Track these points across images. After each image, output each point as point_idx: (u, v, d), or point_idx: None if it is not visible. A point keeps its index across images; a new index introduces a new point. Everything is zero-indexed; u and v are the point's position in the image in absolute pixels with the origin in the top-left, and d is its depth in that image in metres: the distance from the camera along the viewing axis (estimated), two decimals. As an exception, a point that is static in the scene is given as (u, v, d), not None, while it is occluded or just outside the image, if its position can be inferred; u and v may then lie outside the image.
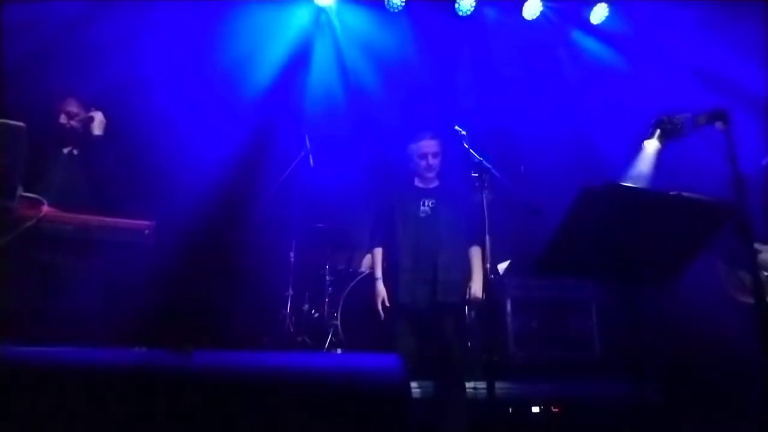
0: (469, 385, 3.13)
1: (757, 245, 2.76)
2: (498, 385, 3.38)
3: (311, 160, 4.28)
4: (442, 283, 3.02)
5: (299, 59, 4.43)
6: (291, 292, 4.14)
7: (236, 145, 4.44)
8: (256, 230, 4.39)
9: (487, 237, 2.75)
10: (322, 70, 4.57)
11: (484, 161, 2.78)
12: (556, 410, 3.34)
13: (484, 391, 2.61)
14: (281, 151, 4.52)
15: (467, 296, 3.04)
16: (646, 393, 2.91)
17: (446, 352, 3.04)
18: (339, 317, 3.97)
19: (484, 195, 2.77)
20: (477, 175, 2.83)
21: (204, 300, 4.12)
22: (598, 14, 4.27)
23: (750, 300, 2.81)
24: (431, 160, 3.17)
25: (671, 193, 1.93)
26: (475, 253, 3.11)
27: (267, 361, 1.42)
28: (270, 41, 4.37)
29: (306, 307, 4.25)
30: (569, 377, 3.74)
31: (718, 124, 1.96)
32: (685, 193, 1.91)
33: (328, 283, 4.20)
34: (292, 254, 4.22)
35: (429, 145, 3.19)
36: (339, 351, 3.94)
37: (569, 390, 3.55)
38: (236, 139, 4.46)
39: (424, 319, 3.02)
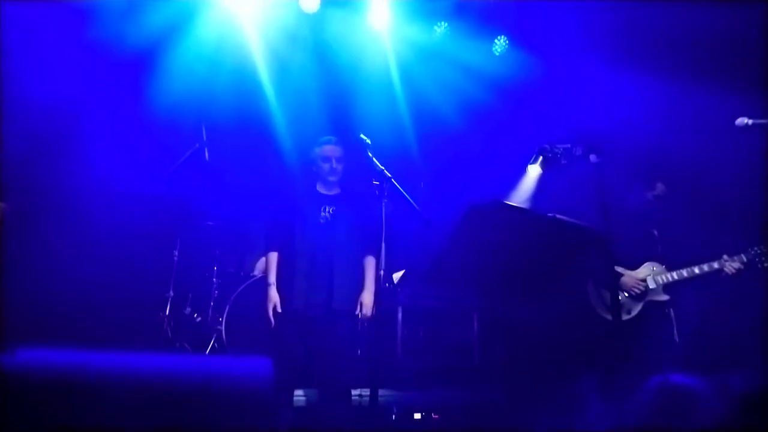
0: (355, 392, 3.13)
1: (619, 269, 3.14)
2: (384, 392, 3.44)
3: (206, 154, 4.02)
4: (338, 289, 3.01)
5: (204, 45, 4.15)
6: (171, 293, 3.83)
7: (121, 130, 4.03)
8: (136, 223, 4.01)
9: (383, 246, 2.79)
10: (227, 62, 4.33)
11: (385, 170, 2.82)
12: (436, 417, 3.46)
13: (368, 398, 2.62)
14: (173, 140, 4.19)
15: (358, 306, 3.04)
16: (518, 398, 3.15)
17: (334, 360, 3.01)
18: (224, 322, 3.75)
19: (383, 204, 2.82)
20: (378, 183, 2.87)
21: (74, 295, 3.67)
22: (499, 47, 4.59)
23: (608, 316, 3.20)
24: (335, 165, 3.16)
25: (548, 215, 2.12)
26: (370, 262, 3.14)
27: (111, 360, 1.30)
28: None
29: (188, 310, 3.96)
30: (450, 384, 3.92)
31: (592, 157, 2.19)
32: (560, 216, 2.11)
33: (214, 285, 3.94)
34: (176, 252, 3.91)
35: (333, 150, 3.18)
36: (221, 357, 3.72)
37: (449, 397, 3.71)
38: (121, 123, 4.05)
39: (317, 325, 2.98)
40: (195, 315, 3.96)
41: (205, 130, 4.07)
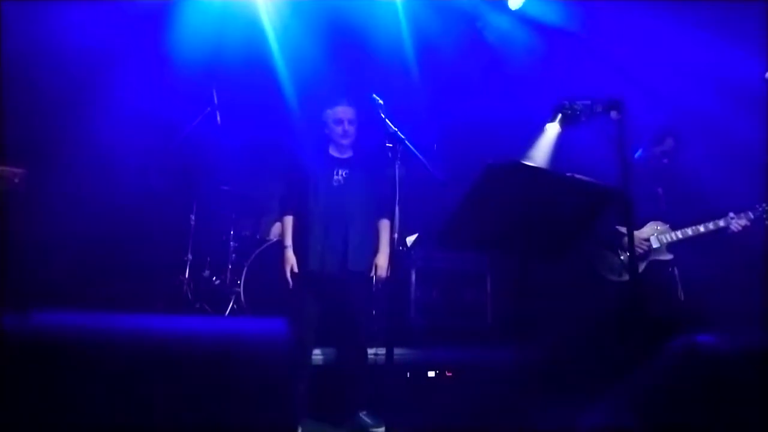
0: (370, 351, 3.20)
1: (621, 229, 3.10)
2: (398, 351, 3.52)
3: (218, 117, 3.98)
4: (352, 252, 3.02)
5: (212, 8, 4.05)
6: (190, 257, 3.90)
7: (134, 95, 3.99)
8: (153, 188, 4.04)
9: (397, 209, 2.78)
10: (237, 25, 4.22)
11: (398, 132, 2.77)
12: (450, 374, 3.55)
13: (384, 357, 2.68)
14: (186, 104, 4.15)
15: (373, 269, 3.07)
16: (528, 358, 3.19)
17: (351, 320, 3.07)
18: (242, 285, 3.83)
19: (396, 167, 2.78)
20: (391, 145, 2.82)
21: (93, 258, 3.75)
22: (515, 1, 4.40)
23: (616, 277, 3.19)
24: (347, 127, 3.11)
25: (566, 174, 2.08)
26: (384, 225, 3.14)
27: (131, 322, 1.32)
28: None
29: (206, 273, 4.04)
30: (463, 344, 4.00)
31: (613, 114, 2.12)
32: (578, 176, 2.06)
33: (231, 249, 4.00)
34: (192, 217, 3.95)
35: (345, 112, 3.12)
36: (240, 318, 3.81)
37: (462, 356, 3.79)
38: (134, 88, 4.01)
39: (332, 286, 3.02)
40: (213, 278, 4.05)
41: (216, 94, 4.02)
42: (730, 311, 3.49)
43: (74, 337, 1.24)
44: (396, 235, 2.90)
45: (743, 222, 3.09)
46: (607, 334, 2.98)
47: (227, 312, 3.79)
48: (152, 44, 4.04)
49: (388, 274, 3.06)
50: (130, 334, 1.28)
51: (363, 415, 2.98)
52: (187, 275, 3.87)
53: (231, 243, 4.01)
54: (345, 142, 3.14)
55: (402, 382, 3.45)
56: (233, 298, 3.84)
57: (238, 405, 1.26)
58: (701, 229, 3.15)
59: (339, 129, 3.11)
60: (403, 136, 2.83)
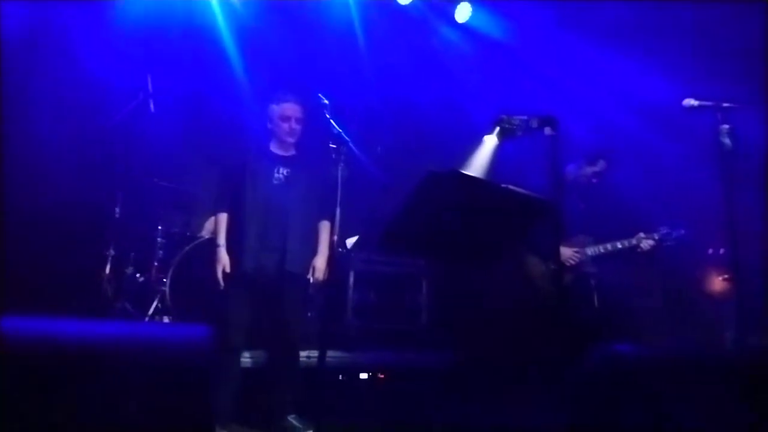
0: (303, 354, 3.15)
1: (550, 238, 3.29)
2: (333, 354, 3.49)
3: (152, 105, 3.76)
4: (291, 253, 2.95)
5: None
6: (112, 252, 3.64)
7: (57, 80, 3.68)
8: (75, 178, 3.74)
9: (338, 211, 2.76)
10: (177, 9, 4.01)
11: (343, 133, 2.75)
12: (382, 376, 3.57)
13: (317, 359, 2.64)
14: (116, 90, 3.88)
15: (311, 270, 3.02)
16: (458, 362, 3.29)
17: (284, 322, 3.00)
18: (168, 283, 3.62)
19: (339, 168, 2.76)
20: (335, 146, 2.80)
21: (7, 252, 3.41)
22: (462, 13, 4.53)
23: (546, 285, 3.38)
24: (294, 125, 3.03)
25: (502, 185, 2.15)
26: (324, 227, 3.10)
27: (45, 327, 1.22)
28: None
29: (130, 270, 3.79)
30: (398, 347, 4.04)
31: (547, 130, 2.23)
32: (513, 187, 2.15)
33: (158, 245, 3.78)
34: (117, 210, 3.70)
35: (293, 109, 3.04)
36: (165, 319, 3.62)
37: (396, 358, 3.83)
38: (58, 73, 3.70)
39: (267, 288, 2.93)
40: (137, 275, 3.81)
41: (151, 81, 3.79)
42: (643, 321, 3.79)
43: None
44: (336, 237, 2.88)
45: (650, 242, 3.41)
46: (534, 338, 3.13)
47: (151, 312, 3.58)
48: (80, 25, 3.75)
49: (326, 277, 3.02)
50: (44, 340, 1.19)
51: (291, 419, 2.92)
52: (108, 272, 3.61)
53: (158, 239, 3.79)
54: (290, 140, 3.07)
55: (334, 385, 3.43)
56: (158, 297, 3.63)
57: (151, 411, 1.19)
58: (618, 245, 3.45)
59: (285, 126, 3.03)
60: (347, 138, 2.82)
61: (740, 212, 2.37)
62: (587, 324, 3.26)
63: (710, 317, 4.15)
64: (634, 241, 3.45)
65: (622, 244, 3.46)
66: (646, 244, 3.43)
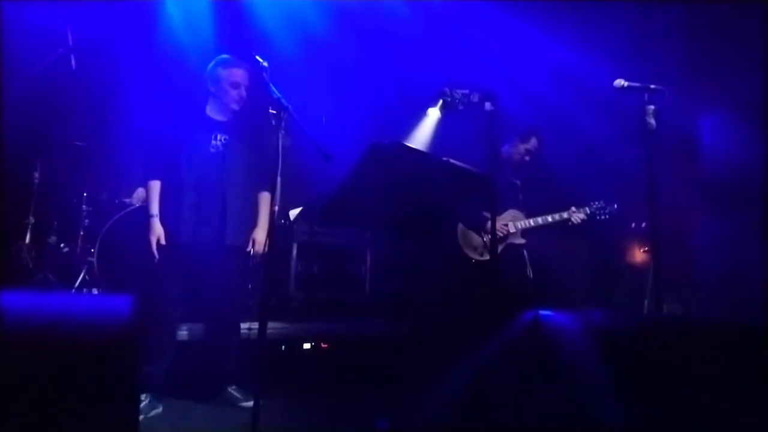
0: (244, 325, 3.11)
1: (486, 214, 3.42)
2: (275, 325, 3.47)
3: (73, 61, 3.44)
4: (231, 224, 2.85)
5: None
6: (32, 219, 3.38)
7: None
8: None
9: (279, 180, 2.69)
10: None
11: (283, 99, 2.66)
12: (325, 346, 3.60)
13: (257, 331, 2.62)
14: (29, 42, 3.51)
15: (250, 243, 2.94)
16: (399, 331, 3.37)
17: (223, 294, 2.93)
18: (96, 254, 3.42)
19: (280, 136, 2.67)
20: (275, 112, 2.70)
21: None
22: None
23: (477, 256, 3.52)
24: (243, 92, 2.88)
25: (443, 159, 2.18)
26: (264, 198, 2.99)
27: None
28: None
29: (53, 239, 3.54)
30: (341, 317, 4.08)
31: (487, 105, 2.27)
32: (452, 161, 2.18)
33: (84, 213, 3.54)
34: (36, 174, 3.41)
35: (242, 76, 2.88)
36: (94, 291, 3.43)
37: (339, 329, 3.88)
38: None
39: (205, 260, 2.83)
40: (61, 245, 3.57)
41: (71, 34, 3.46)
42: (572, 290, 4.04)
43: None
44: (277, 208, 2.81)
45: (581, 216, 3.60)
46: (467, 307, 3.27)
47: (77, 284, 3.38)
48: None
49: (266, 250, 2.96)
50: None
51: (232, 390, 2.90)
52: (27, 241, 3.36)
53: (83, 206, 3.54)
54: (236, 107, 2.92)
55: (276, 356, 3.42)
56: (84, 268, 3.43)
57: (71, 391, 1.13)
58: (549, 219, 3.62)
59: (234, 93, 2.87)
60: (287, 105, 2.72)
61: (660, 189, 2.54)
62: (518, 292, 3.43)
63: (631, 287, 4.49)
64: (565, 215, 3.61)
65: (552, 217, 3.62)
66: (577, 217, 3.60)
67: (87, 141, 3.59)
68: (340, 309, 4.22)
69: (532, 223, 3.60)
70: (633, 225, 4.38)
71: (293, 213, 4.36)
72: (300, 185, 4.02)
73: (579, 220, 3.59)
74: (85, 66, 3.53)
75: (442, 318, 3.46)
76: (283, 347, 3.49)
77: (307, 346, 3.57)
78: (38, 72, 3.34)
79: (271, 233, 2.90)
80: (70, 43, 3.44)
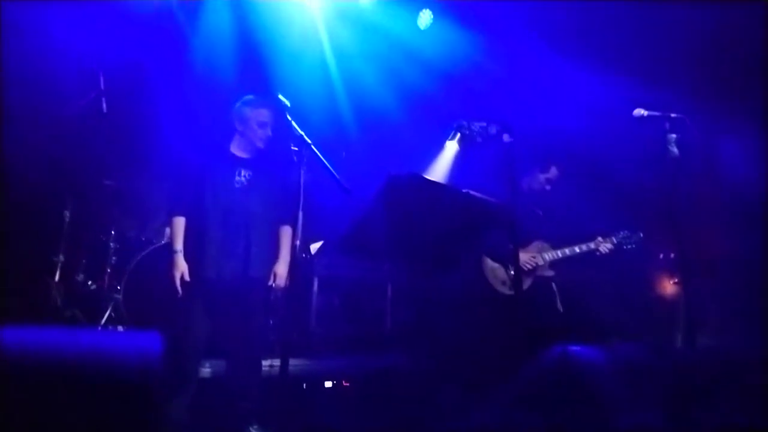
0: (266, 362, 3.08)
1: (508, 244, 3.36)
2: (296, 362, 3.43)
3: (104, 104, 3.61)
4: (254, 258, 2.88)
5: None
6: (62, 258, 3.47)
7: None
8: (20, 179, 3.55)
9: (300, 214, 2.73)
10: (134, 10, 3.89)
11: (305, 136, 2.73)
12: (347, 384, 3.53)
13: (279, 368, 2.60)
14: (67, 87, 3.72)
15: (272, 277, 2.96)
16: (420, 365, 3.31)
17: (245, 330, 2.93)
18: (123, 291, 3.47)
19: (302, 171, 2.73)
20: (297, 149, 2.77)
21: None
22: (424, 20, 4.60)
23: (506, 290, 3.45)
24: (269, 131, 2.97)
25: (462, 190, 2.19)
26: (285, 232, 3.03)
27: None
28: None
29: (81, 277, 3.62)
30: (362, 353, 4.01)
31: (505, 137, 2.28)
32: (471, 192, 2.19)
33: (112, 251, 3.62)
34: (67, 213, 3.52)
35: (268, 115, 2.97)
36: (120, 329, 3.47)
37: (360, 364, 3.80)
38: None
39: (228, 295, 2.85)
40: (89, 282, 3.64)
41: (103, 78, 3.65)
42: (602, 323, 3.91)
43: None
44: (299, 242, 2.84)
45: (609, 245, 3.53)
46: (496, 342, 3.18)
47: (104, 321, 3.42)
48: (30, 18, 3.57)
49: (288, 283, 2.97)
50: None
51: (253, 429, 2.85)
52: (57, 279, 3.44)
53: (111, 244, 3.63)
54: (262, 145, 3.01)
55: (298, 394, 3.37)
56: (111, 305, 3.48)
57: (103, 424, 1.13)
58: (576, 249, 3.55)
59: (260, 132, 2.96)
60: (309, 141, 2.79)
61: (685, 217, 2.48)
62: (549, 326, 3.33)
63: (663, 319, 4.33)
64: (592, 245, 3.55)
65: (580, 248, 3.56)
66: (605, 247, 3.53)
67: (115, 180, 3.72)
68: (361, 344, 4.15)
69: (560, 254, 3.53)
70: (661, 256, 4.27)
71: (314, 247, 4.38)
72: (321, 219, 4.05)
73: (606, 250, 3.53)
74: (115, 107, 3.70)
75: (468, 353, 3.37)
76: (305, 385, 3.44)
77: (328, 384, 3.51)
78: (71, 114, 3.52)
79: (292, 267, 2.93)
80: (102, 86, 3.63)
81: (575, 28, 4.15)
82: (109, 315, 3.46)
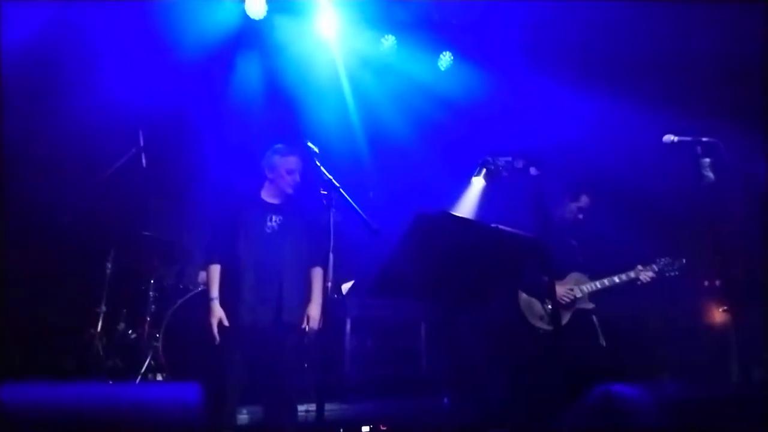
0: (301, 408, 3.05)
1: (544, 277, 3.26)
2: (331, 406, 3.38)
3: (144, 160, 3.82)
4: (287, 302, 2.93)
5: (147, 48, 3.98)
6: (104, 308, 3.59)
7: (49, 133, 3.77)
8: (65, 233, 3.75)
9: (331, 256, 2.76)
10: (168, 66, 4.17)
11: (333, 179, 2.80)
12: (384, 429, 3.44)
13: (315, 413, 2.56)
14: (107, 145, 3.96)
15: (305, 319, 2.98)
16: (459, 406, 3.20)
17: (280, 375, 2.93)
18: (161, 339, 3.54)
19: (331, 214, 2.79)
20: (326, 192, 2.84)
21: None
22: (445, 61, 4.73)
23: (545, 326, 3.33)
24: (297, 177, 3.09)
25: (491, 225, 2.18)
26: (317, 274, 3.08)
27: (35, 392, 1.19)
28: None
29: (122, 326, 3.72)
30: (398, 395, 3.92)
31: (532, 170, 2.28)
32: (501, 227, 2.17)
33: (151, 299, 3.73)
34: (108, 264, 3.67)
35: (297, 162, 3.10)
36: (159, 377, 3.51)
37: (397, 407, 3.71)
38: (51, 126, 3.79)
39: (265, 339, 2.88)
40: (129, 331, 3.73)
41: (142, 136, 3.88)
42: (648, 357, 3.71)
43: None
44: (330, 284, 2.86)
45: (650, 274, 3.37)
46: (535, 380, 3.05)
47: (143, 369, 3.48)
48: (74, 82, 3.87)
49: (321, 325, 2.97)
50: (34, 406, 1.15)
51: (291, 477, 2.80)
52: (99, 329, 3.54)
53: (150, 293, 3.74)
54: (290, 191, 3.10)
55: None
56: (150, 353, 3.54)
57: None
58: (616, 279, 3.40)
59: (289, 178, 3.07)
60: (337, 184, 2.86)
61: (729, 243, 2.39)
62: (591, 362, 3.18)
63: (714, 351, 4.09)
64: (632, 274, 3.40)
65: (620, 278, 3.41)
66: (645, 276, 3.38)
67: (153, 230, 3.88)
68: (397, 386, 4.06)
69: (599, 286, 3.39)
70: (706, 283, 4.06)
71: (345, 287, 4.39)
72: (350, 259, 4.07)
73: (648, 279, 3.37)
74: (154, 161, 3.91)
75: (507, 393, 3.24)
76: (341, 431, 3.37)
77: (365, 429, 3.43)
78: (114, 170, 3.73)
79: (325, 309, 2.94)
80: (141, 143, 3.85)
81: (597, 57, 4.17)
82: (149, 363, 3.52)
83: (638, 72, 4.13)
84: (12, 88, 3.54)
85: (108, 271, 3.66)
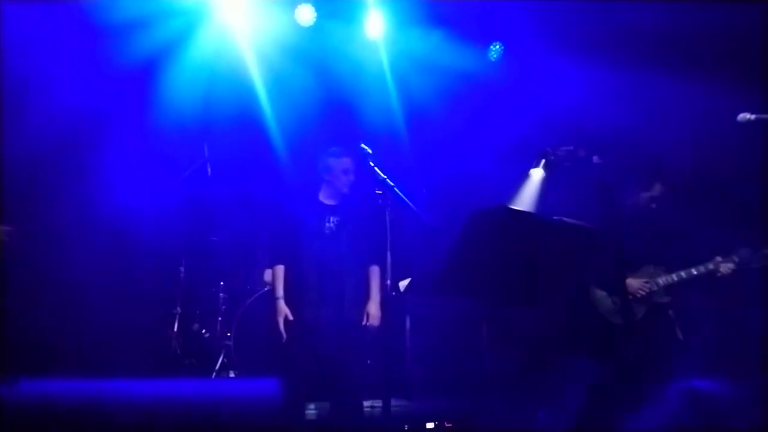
0: (366, 403, 3.11)
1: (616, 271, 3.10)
2: (394, 402, 3.41)
3: (209, 169, 4.04)
4: (348, 300, 3.01)
5: (203, 60, 4.20)
6: (179, 310, 3.83)
7: (123, 147, 4.07)
8: (141, 242, 4.03)
9: (389, 254, 2.79)
10: (225, 77, 4.37)
11: (388, 179, 2.83)
12: (449, 425, 3.43)
13: (381, 409, 2.60)
14: (175, 158, 4.23)
15: (365, 316, 3.03)
16: (528, 404, 3.12)
17: (346, 372, 3.00)
18: (233, 337, 3.74)
19: (387, 213, 2.82)
20: (381, 192, 2.88)
21: (81, 315, 3.68)
22: (494, 53, 4.62)
23: (619, 320, 3.17)
24: (352, 177, 3.16)
25: (553, 218, 2.12)
26: (374, 272, 3.13)
27: (118, 389, 1.29)
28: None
29: (196, 326, 3.96)
30: (462, 392, 3.89)
31: (595, 158, 2.19)
32: (565, 219, 2.10)
33: (221, 300, 3.94)
34: (182, 269, 3.92)
35: (350, 163, 3.16)
36: (231, 374, 3.70)
37: (461, 405, 3.68)
38: (124, 140, 4.09)
39: (328, 337, 2.97)
40: (203, 331, 3.97)
41: (207, 147, 4.10)
42: (726, 352, 3.45)
43: (64, 409, 1.19)
44: (389, 281, 2.90)
45: (730, 266, 3.14)
46: (612, 378, 2.93)
47: (217, 367, 3.68)
48: (143, 104, 4.15)
49: (380, 322, 3.02)
50: (118, 403, 1.25)
51: (359, 472, 2.86)
52: (176, 329, 3.79)
53: (221, 294, 3.95)
54: (346, 191, 3.18)
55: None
56: (223, 351, 3.75)
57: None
58: (693, 271, 3.19)
59: (345, 179, 3.15)
60: (392, 184, 2.89)
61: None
62: (671, 358, 3.01)
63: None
64: (711, 266, 3.17)
65: (697, 270, 3.18)
66: (726, 268, 3.14)
67: (221, 236, 4.11)
68: (460, 383, 4.03)
69: (675, 278, 3.19)
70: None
71: (402, 284, 4.41)
72: (406, 256, 4.09)
73: (728, 271, 3.13)
74: (217, 170, 4.14)
75: (583, 390, 3.12)
76: (406, 427, 3.39)
77: (430, 425, 3.43)
78: (182, 181, 3.99)
79: (383, 306, 2.98)
80: (206, 154, 4.08)
81: (663, 37, 3.91)
82: (222, 361, 3.72)
83: (706, 48, 3.83)
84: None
85: (181, 275, 3.91)
